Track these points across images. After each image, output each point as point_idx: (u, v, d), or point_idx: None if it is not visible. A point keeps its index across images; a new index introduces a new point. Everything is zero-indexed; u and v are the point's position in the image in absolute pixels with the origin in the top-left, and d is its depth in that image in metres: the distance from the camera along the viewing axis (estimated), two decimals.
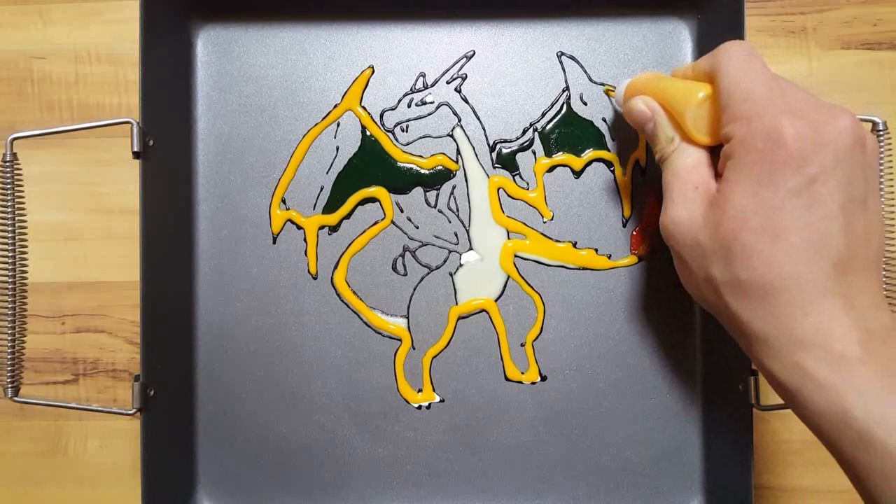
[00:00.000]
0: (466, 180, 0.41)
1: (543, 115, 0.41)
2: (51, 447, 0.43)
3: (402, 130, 0.41)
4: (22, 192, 0.36)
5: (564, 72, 0.41)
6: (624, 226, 0.41)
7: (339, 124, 0.41)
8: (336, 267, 0.41)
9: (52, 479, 0.43)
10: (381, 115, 0.41)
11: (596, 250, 0.41)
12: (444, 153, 0.41)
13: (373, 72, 0.41)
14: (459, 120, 0.41)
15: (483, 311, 0.41)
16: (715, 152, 0.32)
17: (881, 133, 0.36)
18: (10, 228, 0.35)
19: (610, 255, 0.41)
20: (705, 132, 0.32)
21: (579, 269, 0.41)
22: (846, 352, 0.26)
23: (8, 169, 0.35)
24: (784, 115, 0.28)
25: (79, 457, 0.43)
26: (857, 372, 0.26)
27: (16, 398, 0.36)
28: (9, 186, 0.35)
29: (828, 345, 0.27)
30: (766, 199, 0.28)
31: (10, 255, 0.35)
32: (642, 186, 0.41)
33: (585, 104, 0.41)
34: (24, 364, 0.37)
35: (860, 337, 0.27)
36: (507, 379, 0.41)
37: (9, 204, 0.35)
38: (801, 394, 0.27)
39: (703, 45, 0.40)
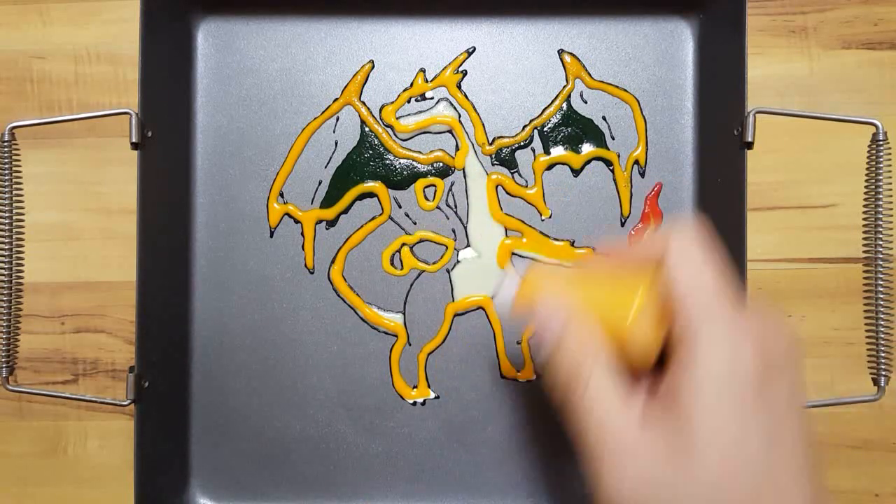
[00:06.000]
0: (465, 177, 0.41)
1: (543, 112, 0.41)
2: (50, 447, 0.43)
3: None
4: (20, 178, 0.36)
5: (565, 69, 0.41)
6: (622, 225, 0.40)
7: (338, 119, 0.41)
8: (333, 262, 0.41)
9: (51, 479, 0.43)
10: (381, 110, 0.41)
11: (594, 249, 0.41)
12: (442, 149, 0.41)
13: (373, 66, 0.41)
14: (459, 116, 0.41)
15: (479, 308, 0.41)
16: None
17: (881, 138, 0.36)
18: (6, 211, 0.35)
19: None
20: (646, 347, 0.26)
21: None
22: None
23: (6, 153, 0.35)
24: (745, 328, 0.24)
25: (78, 457, 0.43)
26: None
27: (9, 386, 0.36)
28: (6, 171, 0.35)
29: None
30: (760, 425, 0.24)
31: (7, 241, 0.35)
32: (641, 186, 0.40)
33: (585, 102, 0.41)
34: (22, 359, 0.37)
35: None
36: (502, 376, 0.40)
37: (6, 189, 0.35)
38: None
39: (705, 44, 0.40)
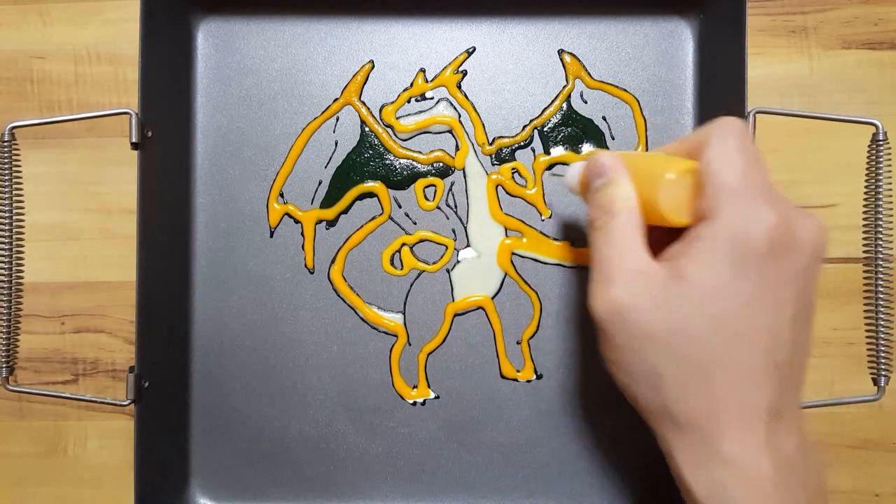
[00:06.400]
0: (465, 177, 0.41)
1: (543, 112, 0.41)
2: (50, 447, 0.43)
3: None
4: (20, 178, 0.36)
5: (565, 69, 0.41)
6: None
7: (338, 119, 0.41)
8: (333, 262, 0.41)
9: (51, 480, 0.43)
10: (381, 110, 0.41)
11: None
12: (442, 149, 0.41)
13: (373, 67, 0.41)
14: (459, 116, 0.41)
15: (479, 308, 0.41)
16: (657, 233, 0.30)
17: (881, 137, 0.35)
18: (6, 211, 0.35)
19: None
20: (677, 210, 0.28)
21: (576, 267, 0.41)
22: (763, 476, 0.26)
23: (6, 153, 0.35)
24: (768, 208, 0.26)
25: (78, 457, 0.43)
26: (771, 499, 0.26)
27: (9, 386, 0.36)
28: (6, 172, 0.35)
29: (751, 467, 0.26)
30: (737, 291, 0.26)
31: (7, 241, 0.35)
32: None
33: (586, 102, 0.41)
34: (22, 359, 0.37)
35: (777, 462, 0.26)
36: (502, 377, 0.40)
37: (6, 189, 0.35)
38: None
39: (705, 44, 0.40)
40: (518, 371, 0.40)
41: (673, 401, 0.27)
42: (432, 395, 0.41)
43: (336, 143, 0.41)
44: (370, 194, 0.41)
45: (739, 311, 0.26)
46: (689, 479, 0.27)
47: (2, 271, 0.35)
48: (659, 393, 0.27)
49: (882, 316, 0.35)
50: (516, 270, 0.41)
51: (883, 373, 0.36)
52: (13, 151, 0.36)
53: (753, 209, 0.26)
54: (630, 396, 0.29)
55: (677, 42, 0.41)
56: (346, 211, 0.41)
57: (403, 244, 0.41)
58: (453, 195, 0.41)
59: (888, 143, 0.36)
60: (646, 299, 0.27)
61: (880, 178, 0.35)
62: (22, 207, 0.36)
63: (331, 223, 0.41)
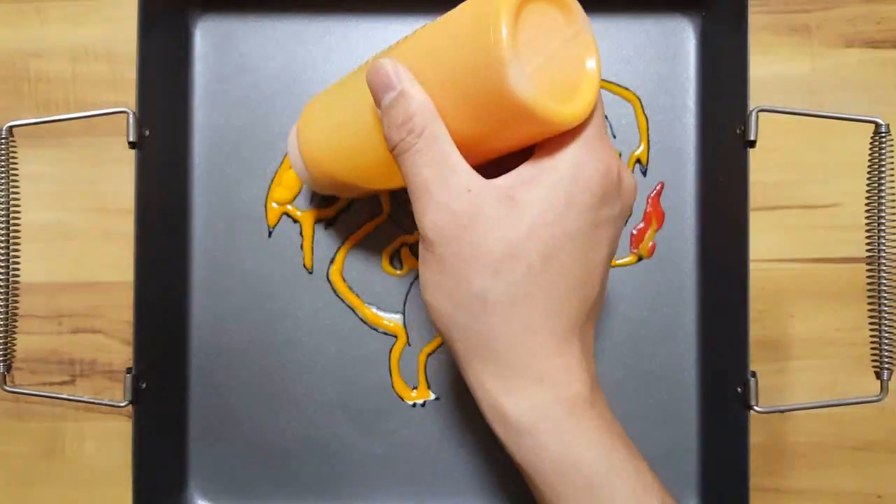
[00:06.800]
0: None
1: None
2: (48, 448, 0.43)
3: None
4: (17, 177, 0.36)
5: None
6: (624, 224, 0.40)
7: None
8: (332, 262, 0.40)
9: (49, 480, 0.43)
10: None
11: None
12: None
13: None
14: None
15: None
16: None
17: (883, 136, 0.35)
18: (3, 211, 0.35)
19: None
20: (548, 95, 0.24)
21: None
22: (580, 395, 0.27)
23: (2, 152, 0.35)
24: (607, 153, 0.27)
25: (76, 458, 0.43)
26: (586, 416, 0.27)
27: (6, 386, 0.35)
28: (3, 171, 0.35)
29: (567, 385, 0.27)
30: (564, 221, 0.26)
31: (3, 241, 0.35)
32: (643, 185, 0.40)
33: None
34: (19, 360, 0.36)
35: (590, 383, 0.28)
36: None
37: (3, 188, 0.35)
38: (532, 433, 0.27)
39: (707, 42, 0.40)
40: None
41: (494, 326, 0.27)
42: (432, 396, 0.40)
43: None
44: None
45: (566, 244, 0.26)
46: (506, 403, 0.27)
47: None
48: (480, 318, 0.27)
49: (885, 316, 0.35)
50: None
51: (886, 373, 0.35)
52: (10, 150, 0.36)
53: (594, 151, 0.27)
54: (445, 325, 0.28)
55: (679, 40, 0.40)
56: (345, 210, 0.41)
57: (403, 244, 0.41)
58: None
59: (891, 136, 0.35)
60: (480, 220, 0.26)
61: (883, 174, 0.35)
62: (18, 207, 0.36)
63: (329, 223, 0.41)
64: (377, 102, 0.28)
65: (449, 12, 0.26)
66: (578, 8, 0.26)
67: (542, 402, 0.27)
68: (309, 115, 0.35)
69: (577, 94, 0.26)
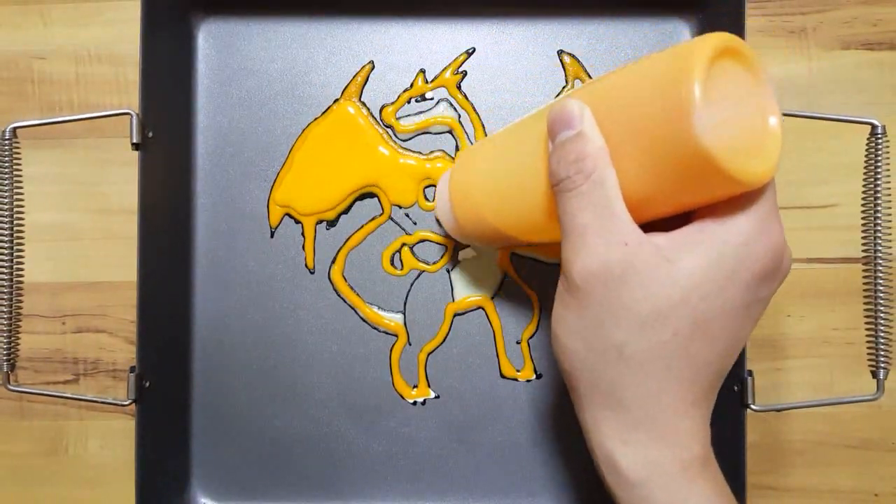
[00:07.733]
0: None
1: None
2: (51, 447, 0.43)
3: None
4: (21, 178, 0.36)
5: (565, 70, 0.41)
6: None
7: None
8: (333, 262, 0.41)
9: (52, 479, 0.43)
10: (381, 111, 0.41)
11: None
12: (443, 150, 0.41)
13: (373, 67, 0.41)
14: (459, 116, 0.41)
15: (479, 308, 0.41)
16: None
17: (879, 137, 0.35)
18: (7, 211, 0.35)
19: None
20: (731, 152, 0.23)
21: None
22: (697, 457, 0.27)
23: (7, 154, 0.35)
24: (777, 228, 0.27)
25: (79, 457, 0.43)
26: (700, 477, 0.27)
27: (10, 386, 0.36)
28: (7, 172, 0.35)
29: (688, 448, 0.27)
30: (722, 295, 0.26)
31: (7, 241, 0.35)
32: None
33: None
34: (23, 359, 0.37)
35: (705, 448, 0.27)
36: (502, 376, 0.41)
37: (7, 189, 0.35)
38: (645, 486, 0.27)
39: None
40: (518, 371, 0.41)
41: (626, 377, 0.26)
42: (432, 394, 0.41)
43: None
44: (370, 194, 0.41)
45: (719, 317, 0.26)
46: (620, 453, 0.27)
47: (2, 271, 0.35)
48: (613, 366, 0.26)
49: (881, 316, 0.35)
50: (516, 270, 0.41)
51: (882, 372, 0.36)
52: (14, 152, 0.36)
53: (767, 228, 0.26)
54: (572, 364, 0.28)
55: (677, 43, 0.41)
56: (346, 211, 0.41)
57: (403, 244, 0.41)
58: None
59: (887, 137, 0.35)
60: (632, 276, 0.25)
61: (879, 175, 0.35)
62: (22, 208, 0.36)
63: (331, 223, 0.41)
64: (552, 136, 0.27)
65: (638, 61, 0.26)
66: (763, 66, 0.25)
67: (660, 459, 0.27)
68: (468, 157, 0.35)
69: (762, 153, 0.25)
